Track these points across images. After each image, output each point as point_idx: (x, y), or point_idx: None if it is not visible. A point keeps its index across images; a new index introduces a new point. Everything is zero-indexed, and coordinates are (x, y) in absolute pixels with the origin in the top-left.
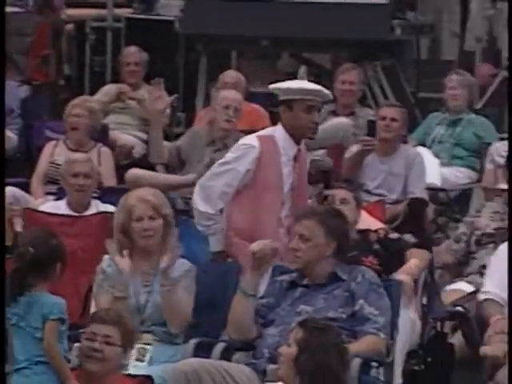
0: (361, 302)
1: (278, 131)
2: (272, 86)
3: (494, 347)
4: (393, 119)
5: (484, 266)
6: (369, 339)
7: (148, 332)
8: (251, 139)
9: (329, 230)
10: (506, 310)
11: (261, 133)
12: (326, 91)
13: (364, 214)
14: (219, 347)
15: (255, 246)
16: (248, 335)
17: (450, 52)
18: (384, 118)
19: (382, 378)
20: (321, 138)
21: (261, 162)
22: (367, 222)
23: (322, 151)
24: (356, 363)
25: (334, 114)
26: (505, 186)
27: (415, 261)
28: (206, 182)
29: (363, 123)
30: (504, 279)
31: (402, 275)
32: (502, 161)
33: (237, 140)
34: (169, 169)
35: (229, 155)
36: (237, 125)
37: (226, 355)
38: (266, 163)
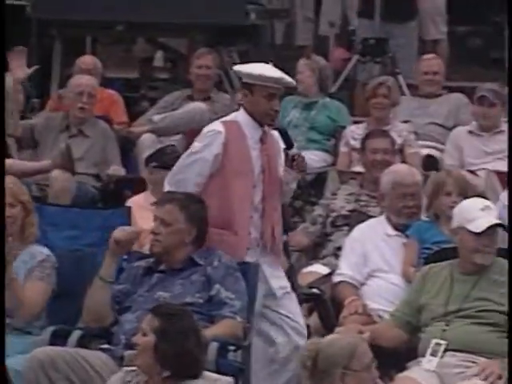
0: (217, 286)
1: (240, 116)
2: (235, 67)
3: (347, 328)
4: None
5: (339, 248)
6: (226, 323)
7: None
8: (216, 125)
9: (189, 216)
10: (360, 292)
11: (224, 118)
12: (289, 79)
13: None
14: (75, 335)
15: (117, 232)
16: (104, 322)
17: (305, 37)
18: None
19: (239, 361)
20: (177, 123)
21: (228, 147)
22: None
23: (178, 136)
24: (213, 347)
25: (191, 98)
26: (359, 169)
27: None
28: (176, 176)
29: (219, 107)
30: (358, 261)
31: None
32: (355, 144)
33: (92, 126)
34: (21, 146)
35: (196, 145)
36: (92, 110)
37: (82, 343)
38: (232, 148)
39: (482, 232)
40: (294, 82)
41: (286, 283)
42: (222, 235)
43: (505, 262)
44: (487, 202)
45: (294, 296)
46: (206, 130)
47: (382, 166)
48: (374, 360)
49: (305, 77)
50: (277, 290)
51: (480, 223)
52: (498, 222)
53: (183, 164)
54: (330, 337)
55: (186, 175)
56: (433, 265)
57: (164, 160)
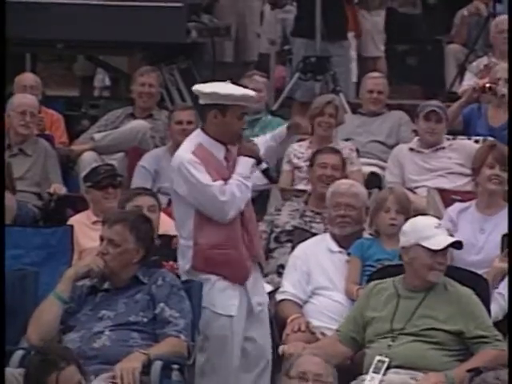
0: (161, 305)
1: (201, 137)
2: (196, 87)
3: (291, 346)
4: (189, 122)
5: (282, 266)
6: (170, 341)
7: None
8: (191, 159)
9: (139, 237)
10: (303, 310)
11: (191, 146)
12: (252, 93)
13: (163, 216)
14: (18, 355)
15: (94, 262)
16: (50, 342)
17: (254, 54)
18: (180, 122)
19: (183, 380)
20: (118, 141)
21: (209, 172)
22: (165, 224)
23: (120, 154)
24: (157, 366)
25: (132, 116)
26: (303, 187)
27: None
28: (234, 204)
29: (161, 125)
30: (301, 279)
31: None
32: (298, 162)
33: (33, 144)
34: None
35: (194, 173)
36: (34, 129)
37: (25, 363)
38: (211, 172)
39: (439, 250)
40: (256, 97)
41: (264, 298)
42: (226, 255)
43: (448, 280)
44: (438, 220)
45: (266, 313)
46: (183, 161)
47: (328, 182)
48: None
49: (264, 95)
50: (255, 306)
51: (438, 241)
52: (456, 239)
53: (206, 191)
54: None
55: (234, 199)
56: (378, 281)
57: (96, 180)
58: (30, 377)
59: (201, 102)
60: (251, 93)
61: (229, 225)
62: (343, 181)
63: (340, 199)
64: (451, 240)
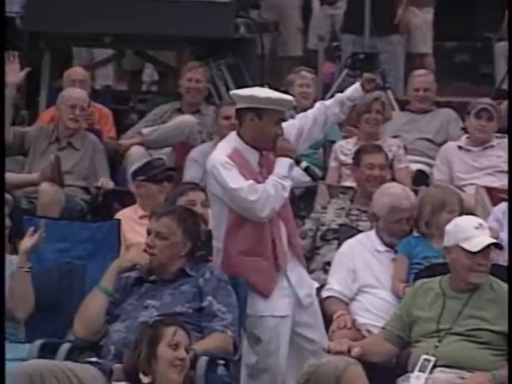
0: (209, 298)
1: (237, 142)
2: (233, 91)
3: (337, 342)
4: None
5: (328, 263)
6: (216, 336)
7: None
8: (226, 161)
9: (186, 230)
10: (349, 307)
11: (227, 149)
12: (290, 98)
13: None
14: (64, 348)
15: (139, 257)
16: (97, 335)
17: (296, 48)
18: (228, 117)
19: (229, 375)
20: (166, 135)
21: (241, 174)
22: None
23: (167, 149)
24: (203, 361)
25: (180, 111)
26: (349, 184)
27: None
28: (271, 204)
29: (208, 121)
30: (347, 276)
31: None
32: (345, 159)
33: (82, 138)
34: (9, 152)
35: (224, 176)
36: (83, 124)
37: (71, 356)
38: (243, 174)
39: (478, 251)
40: (294, 102)
41: (312, 289)
42: (254, 262)
43: (494, 279)
44: (480, 220)
45: (316, 304)
46: (217, 164)
47: (377, 182)
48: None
49: (311, 91)
50: (303, 298)
51: (476, 242)
52: (494, 241)
53: (241, 193)
54: (323, 359)
55: (267, 197)
56: (425, 280)
57: (153, 173)
58: (145, 331)
59: (238, 106)
60: (289, 97)
61: (259, 232)
62: (400, 193)
63: (403, 215)
64: (489, 241)
